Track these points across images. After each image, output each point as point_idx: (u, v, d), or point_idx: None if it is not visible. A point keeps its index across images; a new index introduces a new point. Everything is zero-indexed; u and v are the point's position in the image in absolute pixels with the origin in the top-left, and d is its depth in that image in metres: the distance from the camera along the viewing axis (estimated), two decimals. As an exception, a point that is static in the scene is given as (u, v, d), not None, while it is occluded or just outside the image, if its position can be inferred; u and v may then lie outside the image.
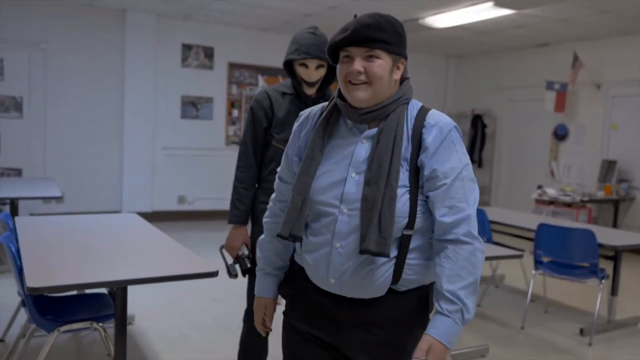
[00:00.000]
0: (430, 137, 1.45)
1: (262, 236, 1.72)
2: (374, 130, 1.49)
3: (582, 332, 4.11)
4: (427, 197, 1.47)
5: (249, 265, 2.60)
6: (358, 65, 1.44)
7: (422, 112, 1.51)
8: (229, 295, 4.39)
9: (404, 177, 1.44)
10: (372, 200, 1.40)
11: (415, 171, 1.46)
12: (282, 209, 1.62)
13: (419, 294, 1.51)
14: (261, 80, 8.39)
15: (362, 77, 1.45)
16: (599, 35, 7.41)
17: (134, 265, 2.53)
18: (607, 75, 7.54)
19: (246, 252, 2.63)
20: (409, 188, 1.45)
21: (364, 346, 1.51)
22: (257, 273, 1.75)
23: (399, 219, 1.42)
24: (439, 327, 1.40)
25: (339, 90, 1.53)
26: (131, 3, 7.01)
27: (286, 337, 1.66)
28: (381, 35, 1.44)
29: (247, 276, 2.65)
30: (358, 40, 1.44)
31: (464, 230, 1.42)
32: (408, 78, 1.58)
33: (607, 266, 4.18)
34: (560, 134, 8.20)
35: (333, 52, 1.50)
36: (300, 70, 2.45)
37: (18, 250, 2.62)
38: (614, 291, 4.29)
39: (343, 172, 1.48)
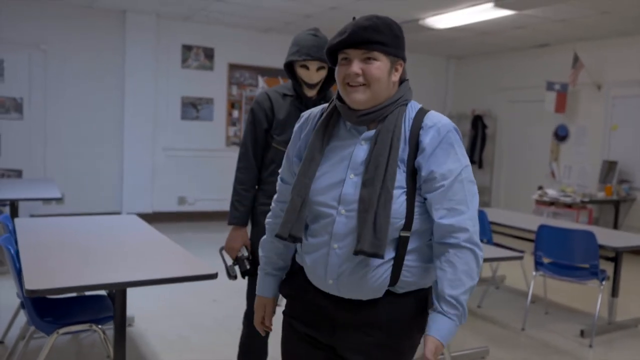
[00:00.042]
0: (427, 139, 1.45)
1: (265, 236, 1.73)
2: (372, 132, 1.50)
3: (582, 333, 4.11)
4: (424, 198, 1.47)
5: (248, 267, 2.60)
6: (356, 67, 1.45)
7: (421, 114, 1.51)
8: (229, 297, 4.38)
9: (401, 178, 1.45)
10: (368, 201, 1.41)
11: (412, 172, 1.46)
12: (283, 209, 1.62)
13: (417, 296, 1.52)
14: (261, 81, 8.39)
15: (360, 79, 1.45)
16: (599, 35, 7.40)
17: (133, 267, 2.53)
18: (608, 75, 7.54)
19: (246, 253, 2.63)
20: (405, 189, 1.45)
21: (360, 347, 1.51)
22: (258, 273, 1.76)
23: (395, 220, 1.43)
24: (442, 329, 1.42)
25: (338, 92, 1.54)
26: (131, 4, 7.01)
27: (284, 336, 1.68)
28: (379, 37, 1.44)
29: (246, 278, 2.65)
30: (356, 43, 1.44)
31: (465, 235, 1.43)
32: (407, 79, 1.58)
33: (608, 267, 4.17)
34: (560, 135, 8.19)
35: (331, 55, 1.51)
36: (301, 72, 2.45)
37: (17, 252, 2.62)
38: (614, 292, 4.28)
39: (341, 174, 1.49)
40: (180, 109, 7.96)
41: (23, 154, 7.07)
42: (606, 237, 4.26)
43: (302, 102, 2.53)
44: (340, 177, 1.49)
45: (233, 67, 8.22)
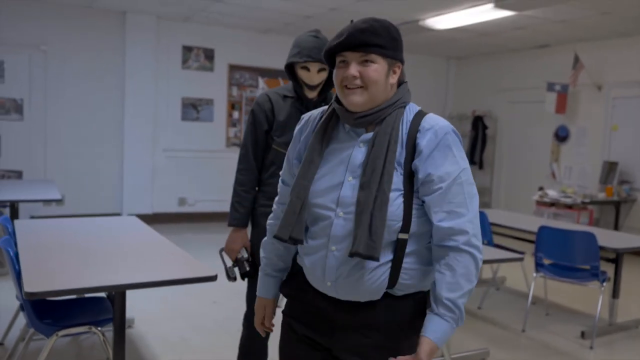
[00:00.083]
0: (424, 141, 1.45)
1: (266, 237, 1.74)
2: (370, 134, 1.50)
3: (583, 335, 4.10)
4: (423, 201, 1.47)
5: (247, 269, 2.60)
6: (353, 70, 1.46)
7: (419, 116, 1.51)
8: (229, 298, 4.38)
9: (397, 181, 1.45)
10: (364, 204, 1.41)
11: (409, 175, 1.46)
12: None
13: (416, 299, 1.51)
14: (261, 82, 8.39)
15: (358, 82, 1.46)
16: (599, 36, 7.40)
17: (133, 269, 2.52)
18: (608, 76, 7.53)
19: (245, 255, 2.63)
20: (402, 192, 1.45)
21: (358, 349, 1.51)
22: (259, 274, 1.77)
23: (392, 222, 1.43)
24: (438, 331, 1.42)
25: (337, 94, 1.54)
26: (131, 5, 7.01)
27: (282, 335, 1.68)
28: (376, 39, 1.45)
29: (246, 279, 2.65)
30: (353, 45, 1.45)
31: (464, 238, 1.42)
32: (405, 82, 1.58)
33: (609, 269, 4.16)
34: (561, 136, 8.19)
35: (329, 57, 1.52)
36: (302, 74, 2.45)
37: (17, 254, 2.62)
38: (615, 294, 4.27)
39: (340, 176, 1.50)
40: (181, 109, 7.96)
41: (23, 155, 7.07)
42: (607, 238, 4.25)
43: (302, 104, 2.53)
44: (338, 180, 1.50)
45: (233, 68, 8.22)
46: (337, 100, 1.55)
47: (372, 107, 1.49)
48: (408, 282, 1.48)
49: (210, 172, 8.09)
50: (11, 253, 2.54)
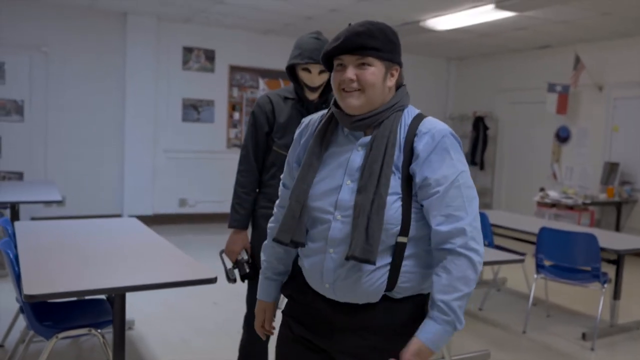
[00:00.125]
0: (421, 145, 1.45)
1: (266, 241, 1.74)
2: (368, 138, 1.50)
3: (584, 336, 4.09)
4: (421, 205, 1.47)
5: (247, 271, 2.60)
6: (350, 73, 1.46)
7: (417, 120, 1.51)
8: (229, 300, 4.37)
9: (395, 184, 1.45)
10: (361, 207, 1.41)
11: (407, 179, 1.46)
12: None
13: (415, 302, 1.51)
14: (262, 83, 8.39)
15: (355, 85, 1.46)
16: (600, 37, 7.39)
17: (133, 271, 2.52)
18: (609, 77, 7.52)
19: (246, 257, 2.63)
20: (401, 195, 1.45)
21: (355, 350, 1.52)
22: (259, 277, 1.77)
23: (390, 226, 1.43)
24: (429, 332, 1.42)
25: (335, 98, 1.54)
26: (132, 6, 7.01)
27: (280, 335, 1.69)
28: (373, 42, 1.45)
29: (246, 281, 2.65)
30: (350, 48, 1.45)
31: (461, 241, 1.41)
32: (404, 85, 1.58)
33: (610, 270, 4.15)
34: (562, 136, 8.18)
35: (327, 61, 1.52)
36: (303, 75, 2.45)
37: (16, 256, 2.61)
38: (616, 295, 4.26)
39: (338, 180, 1.50)
40: (181, 110, 7.96)
41: (24, 156, 7.07)
42: (608, 239, 4.24)
43: (303, 106, 2.53)
44: (337, 183, 1.50)
45: (234, 69, 8.22)
46: (336, 104, 1.55)
47: (370, 110, 1.49)
48: (407, 285, 1.48)
49: (210, 173, 8.09)
50: (11, 255, 2.53)
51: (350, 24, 1.50)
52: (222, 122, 8.23)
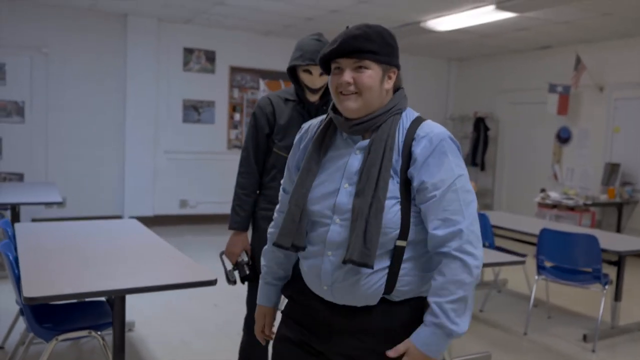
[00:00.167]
0: (419, 149, 1.45)
1: (267, 246, 1.74)
2: (367, 141, 1.51)
3: (585, 338, 4.08)
4: (419, 209, 1.47)
5: (247, 272, 2.60)
6: (347, 76, 1.46)
7: (415, 124, 1.51)
8: (230, 301, 4.37)
9: (394, 188, 1.44)
10: (359, 211, 1.41)
11: (406, 183, 1.46)
12: None
13: (414, 305, 1.50)
14: (262, 84, 8.39)
15: (352, 88, 1.46)
16: (601, 37, 7.38)
17: (133, 273, 2.51)
18: (610, 77, 7.51)
19: (246, 258, 2.63)
20: (399, 199, 1.45)
21: (353, 353, 1.52)
22: (259, 282, 1.77)
23: (389, 230, 1.43)
24: (419, 334, 1.43)
25: (333, 102, 1.55)
26: (132, 7, 7.01)
27: (277, 333, 1.69)
28: (369, 45, 1.45)
29: (246, 283, 2.64)
30: (346, 52, 1.46)
31: (456, 244, 1.41)
32: (402, 88, 1.58)
33: (611, 271, 4.14)
34: (563, 137, 8.17)
35: (325, 64, 1.52)
36: (304, 77, 2.45)
37: (16, 259, 2.61)
38: (617, 296, 4.25)
39: (336, 183, 1.50)
40: (182, 111, 7.96)
41: (24, 158, 7.07)
42: (609, 240, 4.24)
43: (304, 107, 2.53)
44: (335, 187, 1.50)
45: (234, 70, 8.22)
46: (334, 109, 1.56)
47: (368, 113, 1.49)
48: (406, 288, 1.48)
49: (211, 174, 8.09)
50: (10, 257, 2.53)
51: (347, 27, 1.51)
52: (222, 123, 8.23)
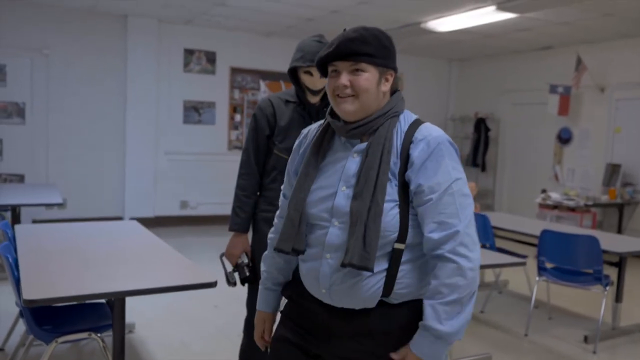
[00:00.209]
0: (416, 152, 1.45)
1: (267, 251, 1.74)
2: (364, 145, 1.51)
3: (586, 339, 4.08)
4: (417, 212, 1.47)
5: (247, 274, 2.60)
6: (344, 79, 1.47)
7: (414, 126, 1.51)
8: (230, 303, 4.36)
9: (392, 191, 1.45)
10: (358, 214, 1.41)
11: (404, 186, 1.46)
12: None
13: (412, 307, 1.50)
14: (263, 85, 8.39)
15: (349, 91, 1.47)
16: (602, 38, 7.37)
17: (133, 275, 2.51)
18: (611, 78, 7.51)
19: (246, 260, 2.63)
20: (398, 202, 1.45)
21: (352, 355, 1.52)
22: (259, 287, 1.77)
23: (388, 233, 1.43)
24: (415, 339, 1.44)
25: (331, 107, 1.56)
26: (133, 8, 7.01)
27: (275, 335, 1.69)
28: (366, 48, 1.45)
29: (246, 285, 2.64)
30: (343, 55, 1.46)
31: (450, 247, 1.40)
32: (399, 90, 1.58)
33: (612, 272, 4.14)
34: (564, 138, 8.16)
35: (322, 67, 1.53)
36: (305, 78, 2.45)
37: (16, 261, 2.61)
38: (618, 298, 4.25)
39: (334, 186, 1.51)
40: (183, 112, 7.96)
41: (25, 159, 7.08)
42: (610, 242, 4.23)
43: (305, 109, 2.53)
44: (332, 190, 1.51)
45: (235, 71, 8.22)
46: (331, 113, 1.56)
47: (365, 115, 1.49)
48: (404, 291, 1.48)
49: (212, 175, 8.09)
50: (10, 259, 2.53)
51: (345, 30, 1.51)
52: (223, 124, 8.23)
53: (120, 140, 7.56)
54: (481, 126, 9.33)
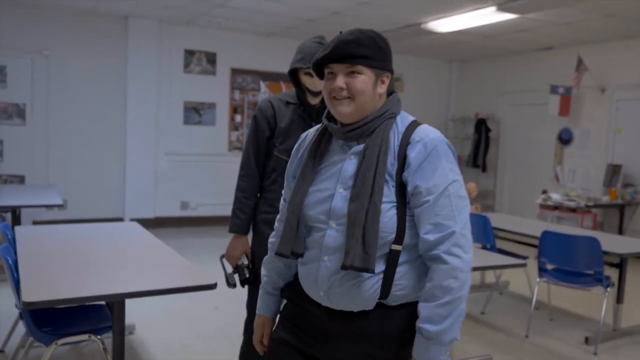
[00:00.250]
0: (413, 153, 1.46)
1: (267, 256, 1.74)
2: (361, 146, 1.51)
3: (587, 340, 4.07)
4: (414, 213, 1.47)
5: (247, 275, 2.60)
6: (340, 81, 1.47)
7: (411, 128, 1.51)
8: (231, 304, 4.36)
9: (389, 193, 1.45)
10: (356, 215, 1.42)
11: (401, 187, 1.46)
12: None
13: (410, 309, 1.50)
14: (263, 86, 8.39)
15: (345, 93, 1.48)
16: (602, 38, 7.37)
17: (132, 277, 2.51)
18: (612, 78, 7.50)
19: (246, 262, 2.63)
20: (395, 204, 1.45)
21: (349, 357, 1.52)
22: (259, 291, 1.77)
23: (385, 234, 1.43)
24: (416, 346, 1.44)
25: (327, 111, 1.56)
26: (133, 9, 7.01)
27: (274, 335, 1.69)
28: (362, 50, 1.46)
29: (246, 286, 2.64)
30: (339, 57, 1.47)
31: (445, 247, 1.41)
32: (395, 92, 1.59)
33: (613, 273, 4.13)
34: (564, 138, 8.15)
35: (318, 69, 1.53)
36: (305, 80, 2.45)
37: (16, 262, 2.60)
38: (619, 299, 4.24)
39: (331, 188, 1.51)
40: (183, 113, 7.96)
41: (25, 160, 7.08)
42: (610, 243, 4.22)
43: (305, 110, 2.53)
44: (330, 192, 1.51)
45: (235, 72, 8.22)
46: (328, 116, 1.57)
47: (361, 117, 1.50)
48: (401, 292, 1.48)
49: (212, 176, 8.08)
50: (10, 261, 2.53)
51: (341, 32, 1.52)
52: (223, 124, 8.23)
53: (120, 141, 7.56)
54: (482, 127, 9.33)
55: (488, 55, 9.28)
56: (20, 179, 7.05)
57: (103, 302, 2.94)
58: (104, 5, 6.84)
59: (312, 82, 2.44)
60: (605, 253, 3.91)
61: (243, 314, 2.71)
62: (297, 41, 2.53)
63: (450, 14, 6.43)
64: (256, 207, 2.61)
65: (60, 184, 6.79)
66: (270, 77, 8.39)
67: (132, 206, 7.61)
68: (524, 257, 4.33)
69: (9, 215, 5.18)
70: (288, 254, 1.52)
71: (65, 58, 7.16)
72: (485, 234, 4.66)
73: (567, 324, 4.50)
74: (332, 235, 1.48)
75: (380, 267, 1.45)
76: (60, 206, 5.29)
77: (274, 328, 1.71)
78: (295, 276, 1.67)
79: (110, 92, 7.45)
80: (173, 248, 3.06)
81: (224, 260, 2.66)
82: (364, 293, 1.46)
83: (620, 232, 7.14)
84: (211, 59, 8.05)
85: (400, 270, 1.46)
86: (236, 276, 2.61)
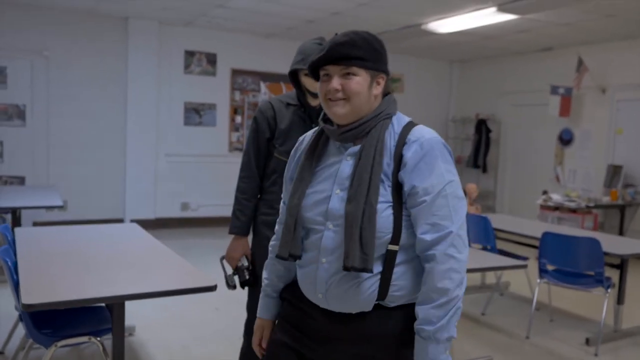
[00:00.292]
0: (409, 153, 1.46)
1: (268, 259, 1.75)
2: (357, 147, 1.52)
3: (588, 341, 4.06)
4: (410, 213, 1.47)
5: (247, 277, 2.59)
6: (335, 83, 1.48)
7: (407, 128, 1.52)
8: (231, 305, 4.35)
9: (386, 193, 1.45)
10: (353, 216, 1.42)
11: (397, 187, 1.46)
12: None
13: (408, 310, 1.49)
14: (263, 87, 8.39)
15: (340, 95, 1.48)
16: (603, 39, 7.36)
17: (132, 279, 2.50)
18: (612, 79, 7.50)
19: (246, 263, 2.62)
20: (392, 204, 1.45)
21: (348, 359, 1.52)
22: (260, 294, 1.77)
23: (381, 234, 1.43)
24: (415, 348, 1.44)
25: (324, 112, 1.57)
26: (133, 10, 7.01)
27: (272, 337, 1.69)
28: (356, 52, 1.47)
29: (246, 288, 2.63)
30: (334, 59, 1.48)
31: (441, 248, 1.41)
32: (390, 93, 1.59)
33: (613, 274, 4.12)
34: (565, 139, 8.15)
35: (313, 71, 1.54)
36: (306, 81, 2.45)
37: (15, 264, 2.60)
38: (620, 300, 4.23)
39: (328, 190, 1.52)
40: (183, 114, 7.95)
41: (26, 161, 7.08)
42: (611, 243, 4.21)
43: (305, 112, 2.52)
44: (327, 193, 1.51)
45: (236, 73, 8.22)
46: (324, 119, 1.58)
47: (356, 118, 1.50)
48: (399, 293, 1.48)
49: (212, 177, 8.08)
50: (9, 263, 2.52)
51: (336, 34, 1.52)
52: (224, 125, 8.23)
53: (121, 142, 7.56)
54: (482, 127, 9.32)
55: (488, 56, 9.28)
56: (21, 180, 7.05)
57: (103, 304, 2.94)
58: (104, 6, 6.84)
59: (312, 84, 2.43)
60: (606, 254, 3.91)
61: (243, 315, 2.70)
62: (297, 42, 2.53)
63: (450, 15, 6.43)
64: (256, 209, 2.61)
65: (60, 185, 6.79)
66: (270, 77, 8.38)
67: (133, 207, 7.61)
68: (525, 258, 4.33)
69: (9, 217, 5.18)
70: (286, 257, 1.52)
71: (66, 59, 7.16)
72: (486, 235, 4.66)
73: (567, 325, 4.49)
74: (330, 236, 1.48)
75: (377, 267, 1.45)
76: (60, 207, 5.29)
77: (273, 329, 1.71)
78: (294, 278, 1.67)
79: (110, 93, 7.45)
80: (173, 249, 3.06)
81: (224, 261, 2.65)
82: (362, 294, 1.46)
83: (621, 232, 7.13)
84: (211, 59, 8.05)
85: (398, 270, 1.47)
86: (236, 278, 2.61)
